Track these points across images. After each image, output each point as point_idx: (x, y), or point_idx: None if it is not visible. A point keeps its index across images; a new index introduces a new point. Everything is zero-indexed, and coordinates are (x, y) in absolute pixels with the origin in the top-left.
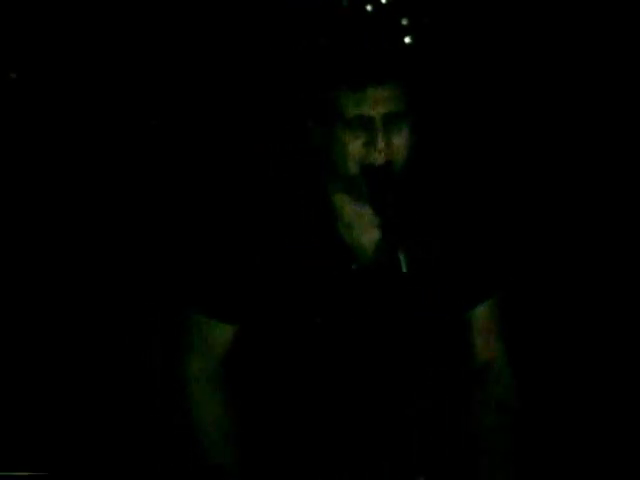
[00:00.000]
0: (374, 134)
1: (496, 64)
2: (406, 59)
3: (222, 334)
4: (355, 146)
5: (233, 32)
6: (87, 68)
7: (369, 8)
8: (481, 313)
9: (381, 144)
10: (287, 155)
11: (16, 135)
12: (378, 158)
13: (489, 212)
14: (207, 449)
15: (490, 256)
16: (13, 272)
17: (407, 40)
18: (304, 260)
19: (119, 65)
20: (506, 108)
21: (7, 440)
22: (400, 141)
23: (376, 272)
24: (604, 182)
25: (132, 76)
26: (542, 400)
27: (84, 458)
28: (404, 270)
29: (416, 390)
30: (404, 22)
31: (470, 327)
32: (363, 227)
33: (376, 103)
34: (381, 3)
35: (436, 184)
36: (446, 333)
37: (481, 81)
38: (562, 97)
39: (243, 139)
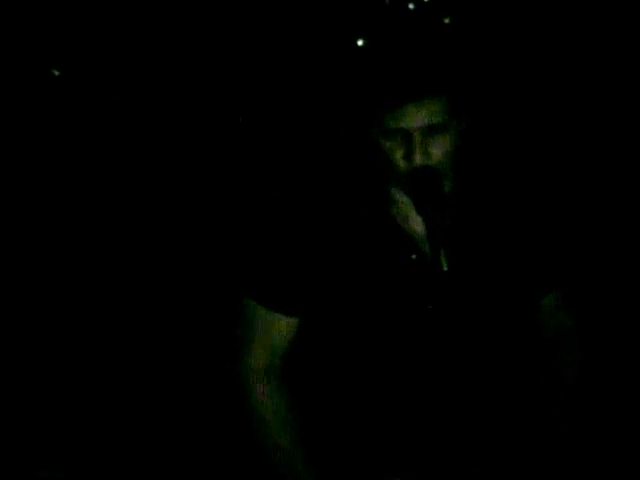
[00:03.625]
0: (412, 147)
1: (530, 70)
2: (445, 75)
3: (284, 326)
4: (395, 157)
5: (295, 43)
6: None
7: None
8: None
9: (418, 157)
10: (346, 148)
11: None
12: (417, 169)
13: (532, 210)
14: (267, 440)
15: (535, 254)
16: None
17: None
18: (363, 251)
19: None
20: (546, 103)
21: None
22: (439, 151)
23: (421, 270)
24: None
25: (198, 80)
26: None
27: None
28: (445, 268)
29: (476, 385)
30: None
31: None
32: (419, 219)
33: (415, 117)
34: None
35: (478, 185)
36: (505, 328)
37: (519, 86)
38: (609, 100)
39: (304, 136)
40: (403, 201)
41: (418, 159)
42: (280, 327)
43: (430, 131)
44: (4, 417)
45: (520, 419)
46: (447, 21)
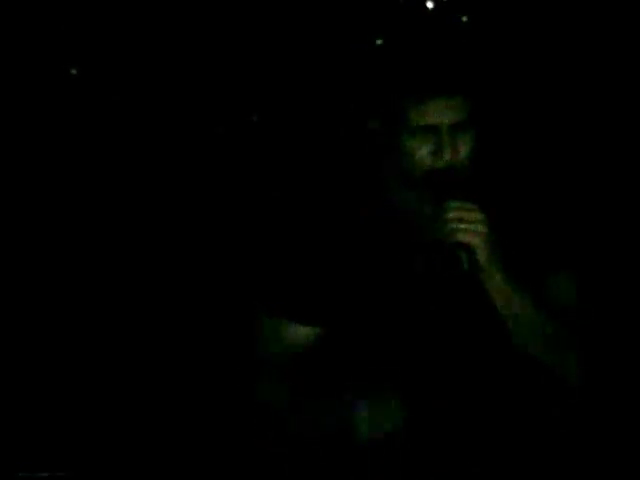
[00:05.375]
0: (440, 143)
1: (555, 66)
2: (473, 70)
3: (303, 335)
4: (421, 154)
5: (312, 35)
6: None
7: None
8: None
9: (447, 153)
10: (359, 152)
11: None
12: (444, 165)
13: (552, 211)
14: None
15: (552, 255)
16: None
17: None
18: (374, 260)
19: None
20: (571, 101)
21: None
22: (466, 147)
23: (440, 269)
24: None
25: (205, 80)
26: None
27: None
28: (465, 268)
29: (483, 385)
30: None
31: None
32: (427, 225)
33: (442, 113)
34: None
35: (500, 183)
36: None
37: (545, 81)
38: (630, 96)
39: (317, 141)
40: (411, 208)
41: (447, 155)
42: (299, 335)
43: (457, 127)
44: (3, 417)
45: (520, 419)
46: (465, 19)
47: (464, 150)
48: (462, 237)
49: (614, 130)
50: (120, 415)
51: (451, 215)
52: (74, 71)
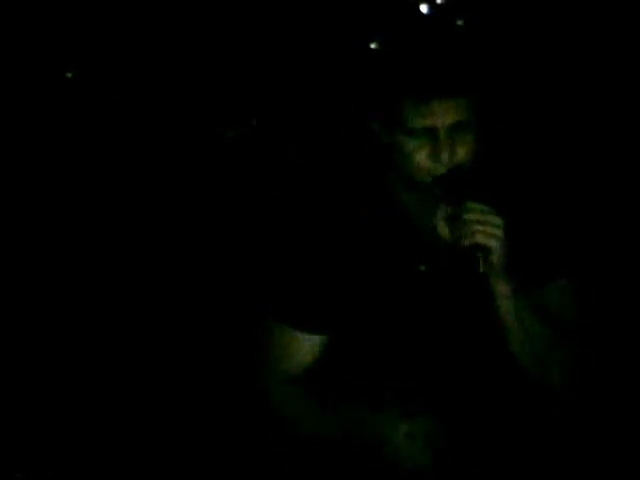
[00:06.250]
0: (438, 145)
1: (555, 66)
2: (471, 72)
3: (307, 344)
4: (419, 156)
5: (312, 36)
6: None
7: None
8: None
9: (445, 156)
10: (359, 155)
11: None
12: (443, 168)
13: (558, 208)
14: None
15: (557, 256)
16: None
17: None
18: (379, 265)
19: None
20: (564, 103)
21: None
22: (465, 149)
23: (450, 271)
24: None
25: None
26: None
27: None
28: (481, 270)
29: (484, 386)
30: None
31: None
32: (435, 227)
33: (441, 115)
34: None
35: (505, 181)
36: None
37: (546, 83)
38: (633, 104)
39: (315, 140)
40: (418, 211)
41: (445, 157)
42: (307, 345)
43: (456, 129)
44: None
45: (520, 419)
46: (460, 23)
47: (463, 152)
48: (481, 239)
49: (613, 135)
50: (120, 415)
51: (471, 217)
52: (76, 73)
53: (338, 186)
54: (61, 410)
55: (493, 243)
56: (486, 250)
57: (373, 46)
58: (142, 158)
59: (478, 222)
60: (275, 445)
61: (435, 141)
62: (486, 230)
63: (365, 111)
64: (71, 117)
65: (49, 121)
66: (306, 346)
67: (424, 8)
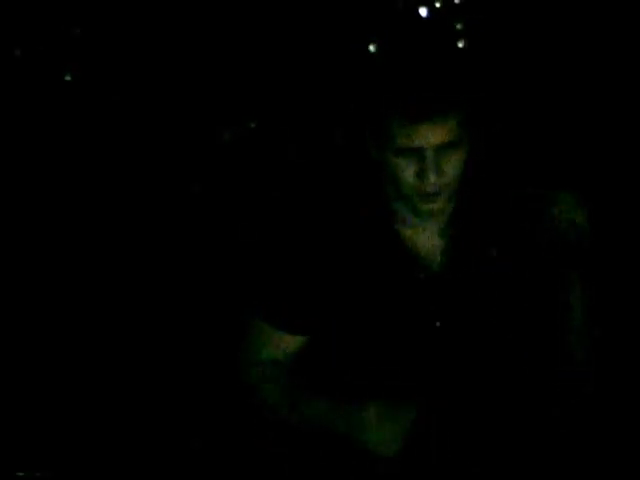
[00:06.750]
0: (425, 165)
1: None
2: (459, 94)
3: (290, 342)
4: (406, 175)
5: (309, 46)
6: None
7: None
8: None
9: (432, 175)
10: (352, 166)
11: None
12: (430, 187)
13: (535, 222)
14: (282, 408)
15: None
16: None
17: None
18: (369, 269)
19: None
20: (557, 113)
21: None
22: (451, 168)
23: (443, 281)
24: None
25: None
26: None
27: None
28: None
29: (480, 393)
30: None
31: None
32: (426, 237)
33: (427, 136)
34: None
35: (482, 200)
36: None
37: (529, 101)
38: (628, 124)
39: (310, 154)
40: (409, 220)
41: (432, 178)
42: (286, 343)
43: (444, 148)
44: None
45: (520, 419)
46: (459, 27)
47: (449, 171)
48: None
49: (612, 145)
50: (119, 415)
51: None
52: (76, 74)
53: (337, 187)
54: (61, 410)
55: None
56: None
57: (372, 48)
58: (141, 159)
59: None
60: (265, 437)
61: (422, 160)
62: None
63: (356, 126)
64: (70, 119)
65: (48, 123)
66: (289, 339)
67: (423, 11)
